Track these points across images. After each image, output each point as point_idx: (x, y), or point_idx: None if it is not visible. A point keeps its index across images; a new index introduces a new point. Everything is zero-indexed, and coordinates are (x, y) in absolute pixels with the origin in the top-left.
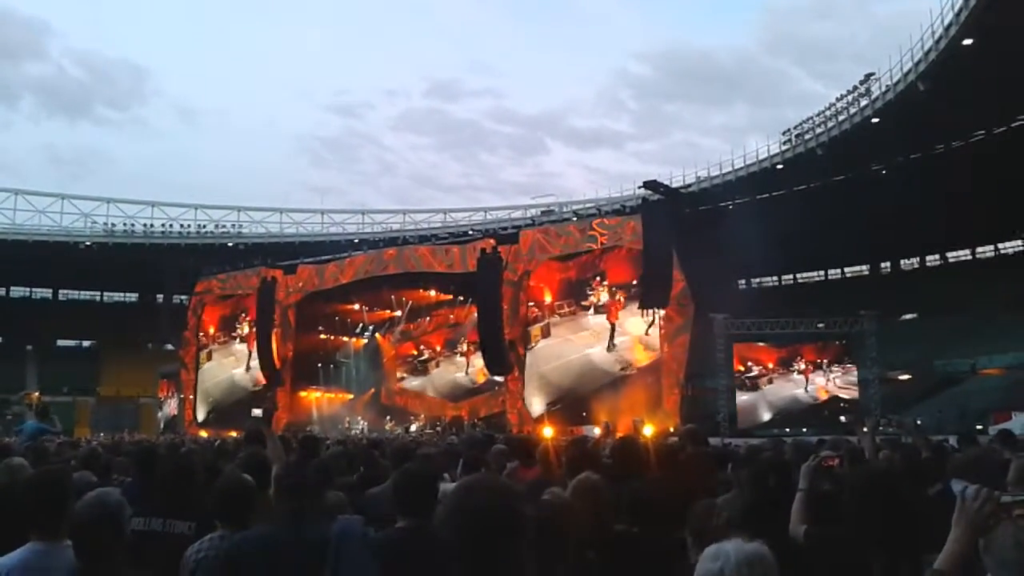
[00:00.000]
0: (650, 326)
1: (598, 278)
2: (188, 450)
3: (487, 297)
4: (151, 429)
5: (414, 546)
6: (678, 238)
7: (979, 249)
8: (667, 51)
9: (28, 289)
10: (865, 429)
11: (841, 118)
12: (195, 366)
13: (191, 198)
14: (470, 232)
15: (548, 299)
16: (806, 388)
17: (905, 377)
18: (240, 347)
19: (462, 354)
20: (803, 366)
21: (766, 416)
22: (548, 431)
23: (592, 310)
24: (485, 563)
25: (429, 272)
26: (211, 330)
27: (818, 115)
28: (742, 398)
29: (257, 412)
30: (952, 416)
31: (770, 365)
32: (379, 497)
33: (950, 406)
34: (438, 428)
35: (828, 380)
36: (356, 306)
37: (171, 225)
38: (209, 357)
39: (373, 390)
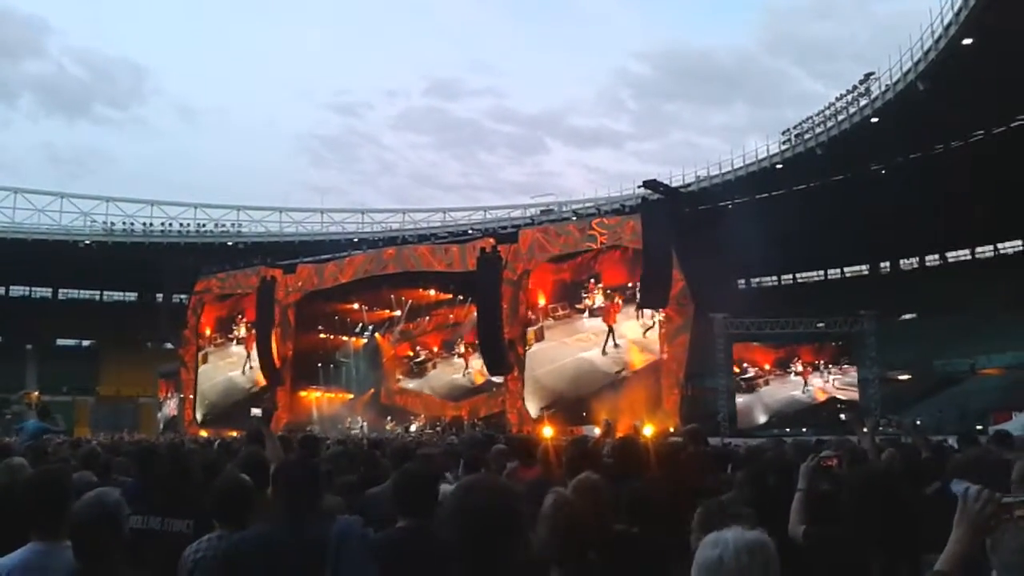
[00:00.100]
0: (648, 329)
1: (593, 280)
2: (188, 449)
3: (486, 296)
4: (151, 429)
5: (414, 546)
6: (678, 238)
7: (978, 249)
8: (667, 51)
9: (27, 288)
10: (865, 429)
11: (840, 118)
12: (195, 365)
13: (191, 197)
14: (470, 231)
15: (542, 302)
16: (803, 389)
17: (904, 377)
18: (237, 349)
19: (459, 355)
20: (800, 367)
21: (762, 418)
22: (548, 431)
23: (587, 313)
24: (485, 563)
25: (429, 271)
26: (207, 332)
27: (817, 115)
28: (739, 400)
29: (256, 412)
30: (952, 416)
31: (766, 366)
32: (379, 497)
33: (950, 406)
34: (438, 428)
35: (826, 381)
36: (356, 305)
37: (171, 224)
38: (205, 360)
39: (373, 390)
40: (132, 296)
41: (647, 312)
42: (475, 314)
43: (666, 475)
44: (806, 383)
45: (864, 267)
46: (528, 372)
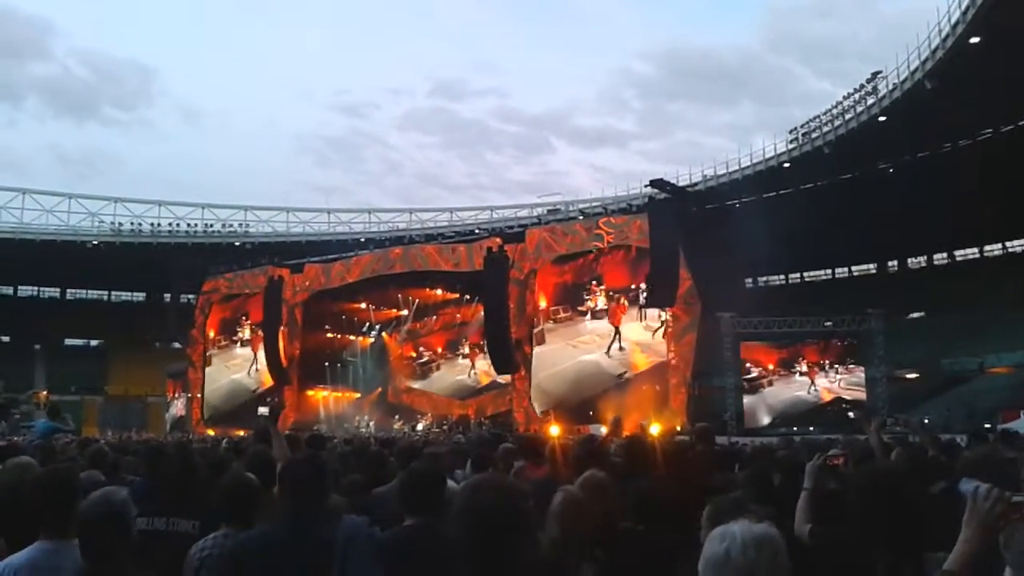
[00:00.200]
0: (656, 331)
1: (595, 282)
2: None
3: (493, 296)
4: (159, 428)
5: (421, 545)
6: (685, 237)
7: (986, 247)
8: (670, 50)
9: (36, 288)
10: (872, 428)
11: (848, 117)
12: (202, 365)
13: (198, 198)
14: (476, 231)
15: (543, 304)
16: (809, 390)
17: (912, 376)
18: (242, 351)
19: (464, 356)
20: (805, 367)
21: (766, 419)
22: (555, 430)
23: (589, 315)
24: (493, 561)
25: (435, 271)
26: (211, 334)
27: (825, 114)
28: (743, 401)
29: (263, 410)
30: (960, 415)
31: (770, 367)
32: (386, 496)
33: (958, 405)
34: (445, 427)
35: (832, 381)
36: (363, 305)
37: (178, 224)
38: (209, 362)
39: (380, 389)
40: (140, 296)
41: (651, 313)
42: (482, 313)
43: (674, 474)
44: (812, 383)
45: (872, 266)
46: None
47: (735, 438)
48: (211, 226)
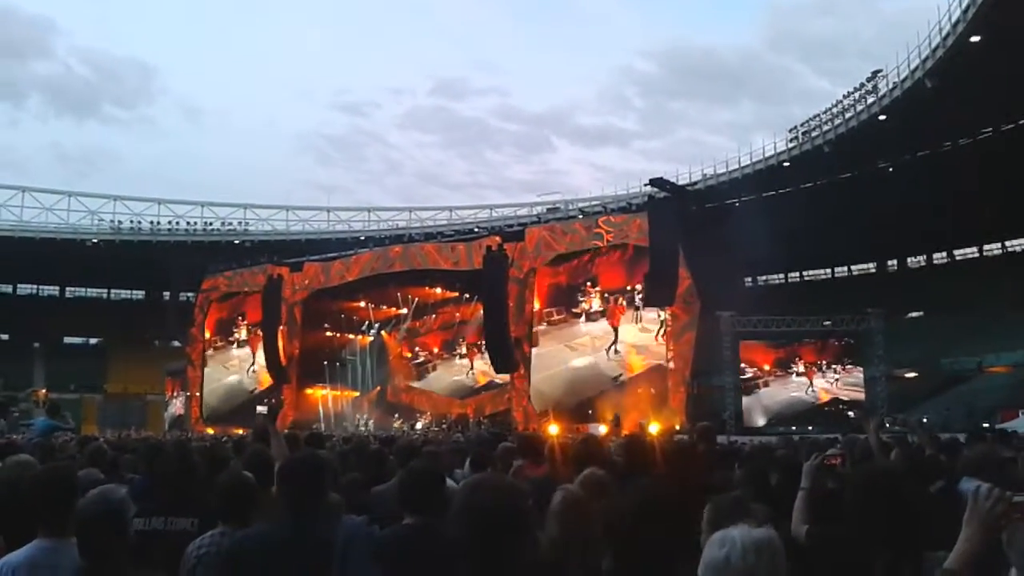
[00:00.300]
0: (656, 333)
1: (589, 283)
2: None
3: (493, 295)
4: (158, 426)
5: (420, 544)
6: (684, 236)
7: (986, 247)
8: (671, 49)
9: (35, 286)
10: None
11: (848, 115)
12: (201, 363)
13: (197, 196)
14: (476, 230)
15: (537, 306)
16: (808, 390)
17: (911, 375)
18: (238, 352)
19: (461, 356)
20: (802, 367)
21: (760, 421)
22: (554, 429)
23: (584, 317)
24: (492, 560)
25: (435, 269)
26: (207, 335)
27: (825, 112)
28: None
29: (262, 409)
30: (959, 415)
31: (766, 367)
32: (385, 495)
33: (957, 404)
34: (444, 426)
35: (830, 382)
36: (362, 304)
37: (178, 223)
38: (206, 362)
39: (379, 388)
40: (139, 294)
41: (647, 316)
42: (481, 312)
43: (674, 473)
44: (811, 383)
45: (871, 265)
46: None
47: (734, 437)
48: (210, 224)
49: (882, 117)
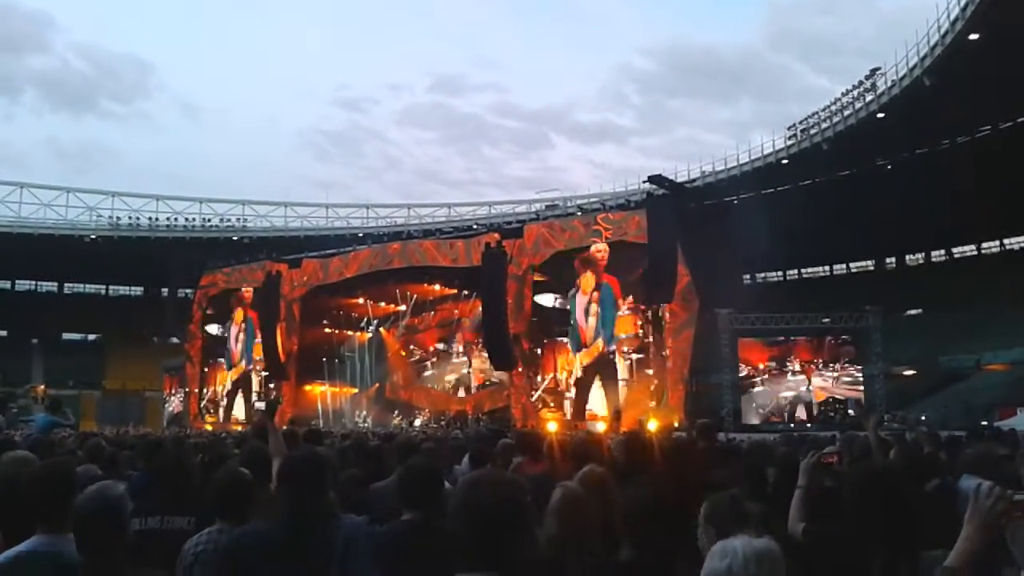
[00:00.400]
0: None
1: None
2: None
3: (491, 291)
4: (156, 423)
5: (418, 540)
6: (683, 233)
7: (984, 245)
8: (669, 46)
9: (33, 282)
10: (871, 425)
11: (846, 113)
12: (200, 360)
13: (196, 192)
14: (474, 226)
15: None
16: (807, 388)
17: (910, 373)
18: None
19: (458, 355)
20: (799, 366)
21: (754, 420)
22: (552, 426)
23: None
24: (490, 557)
25: (433, 266)
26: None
27: (823, 110)
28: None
29: (260, 405)
30: (957, 412)
31: (760, 366)
32: (384, 491)
33: (955, 402)
34: (443, 423)
35: (826, 380)
36: (361, 300)
37: (176, 219)
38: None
39: (378, 384)
40: (138, 290)
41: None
42: (480, 309)
43: (674, 471)
44: (809, 381)
45: (869, 263)
46: None
47: (732, 434)
48: (209, 221)
49: (881, 115)
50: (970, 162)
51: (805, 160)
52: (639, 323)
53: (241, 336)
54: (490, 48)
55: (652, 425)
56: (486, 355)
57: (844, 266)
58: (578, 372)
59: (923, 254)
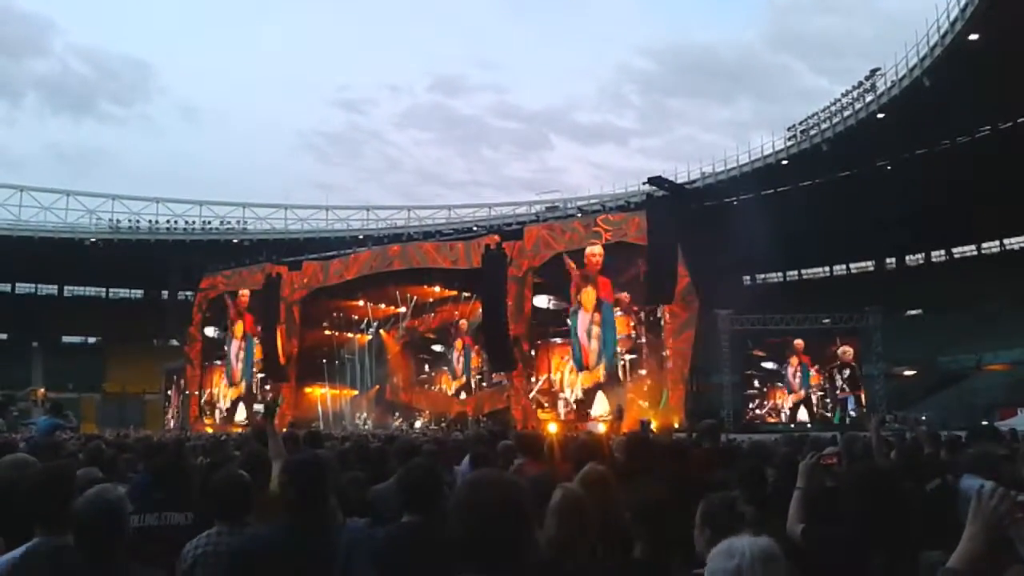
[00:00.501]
0: None
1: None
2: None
3: (491, 293)
4: (156, 425)
5: (419, 541)
6: (683, 234)
7: (984, 245)
8: (669, 46)
9: (33, 285)
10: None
11: (846, 114)
12: (200, 362)
13: (196, 195)
14: (474, 228)
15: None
16: (807, 388)
17: (910, 373)
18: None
19: (459, 353)
20: (797, 367)
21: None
22: (553, 427)
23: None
24: (491, 558)
25: (433, 268)
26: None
27: (823, 111)
28: None
29: (259, 408)
30: (957, 412)
31: (763, 365)
32: (385, 493)
33: (955, 402)
34: (443, 424)
35: (826, 379)
36: (361, 302)
37: (176, 221)
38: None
39: (378, 386)
40: (138, 293)
41: None
42: (480, 311)
43: (675, 471)
44: (810, 383)
45: (869, 263)
46: None
47: (732, 435)
48: (209, 223)
49: (880, 115)
50: (970, 162)
51: (805, 161)
52: (632, 324)
53: (241, 355)
54: (490, 49)
55: (652, 426)
56: (485, 356)
57: (844, 266)
58: (579, 393)
59: (923, 254)
